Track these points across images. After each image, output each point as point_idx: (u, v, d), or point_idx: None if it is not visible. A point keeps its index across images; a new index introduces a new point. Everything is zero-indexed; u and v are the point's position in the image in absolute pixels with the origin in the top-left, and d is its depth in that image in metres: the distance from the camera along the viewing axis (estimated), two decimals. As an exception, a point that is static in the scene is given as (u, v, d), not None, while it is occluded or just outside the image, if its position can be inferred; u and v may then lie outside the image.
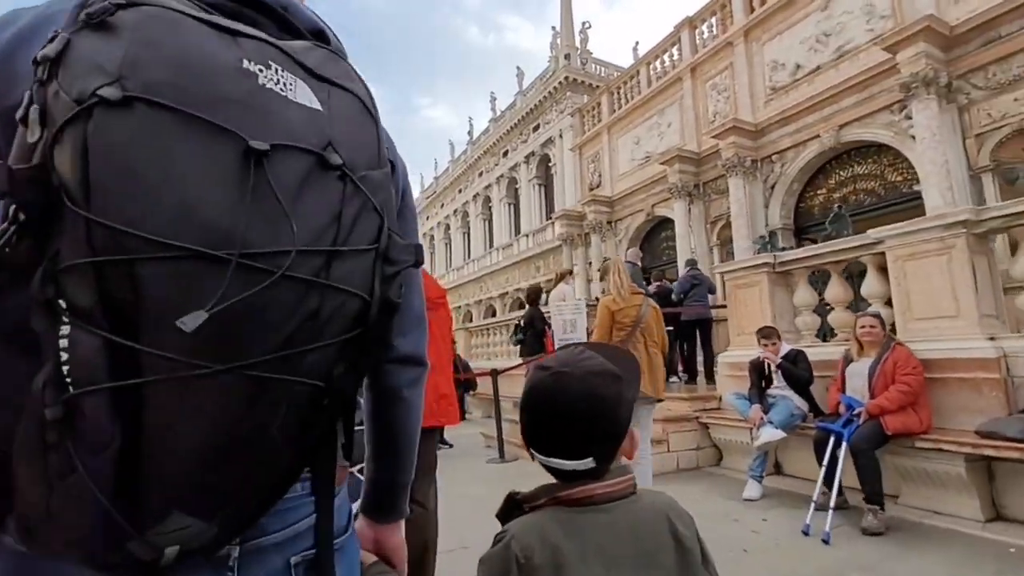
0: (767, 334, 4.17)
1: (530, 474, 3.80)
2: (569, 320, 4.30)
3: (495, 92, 30.00)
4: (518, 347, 6.10)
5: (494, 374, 5.45)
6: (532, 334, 5.58)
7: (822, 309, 4.82)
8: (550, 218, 23.34)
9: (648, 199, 12.59)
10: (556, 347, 4.45)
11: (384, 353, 0.69)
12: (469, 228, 31.14)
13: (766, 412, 3.92)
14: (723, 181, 10.52)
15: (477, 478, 4.60)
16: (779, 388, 4.10)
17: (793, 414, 3.92)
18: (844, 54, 8.62)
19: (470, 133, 32.06)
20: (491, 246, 28.52)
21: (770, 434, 3.72)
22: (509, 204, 27.69)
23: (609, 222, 13.67)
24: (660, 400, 3.29)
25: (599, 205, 13.56)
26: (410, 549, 2.12)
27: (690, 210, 11.12)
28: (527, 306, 5.94)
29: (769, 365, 4.11)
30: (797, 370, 3.95)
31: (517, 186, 26.61)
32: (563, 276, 6.51)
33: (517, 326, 5.70)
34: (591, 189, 14.51)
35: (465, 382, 6.53)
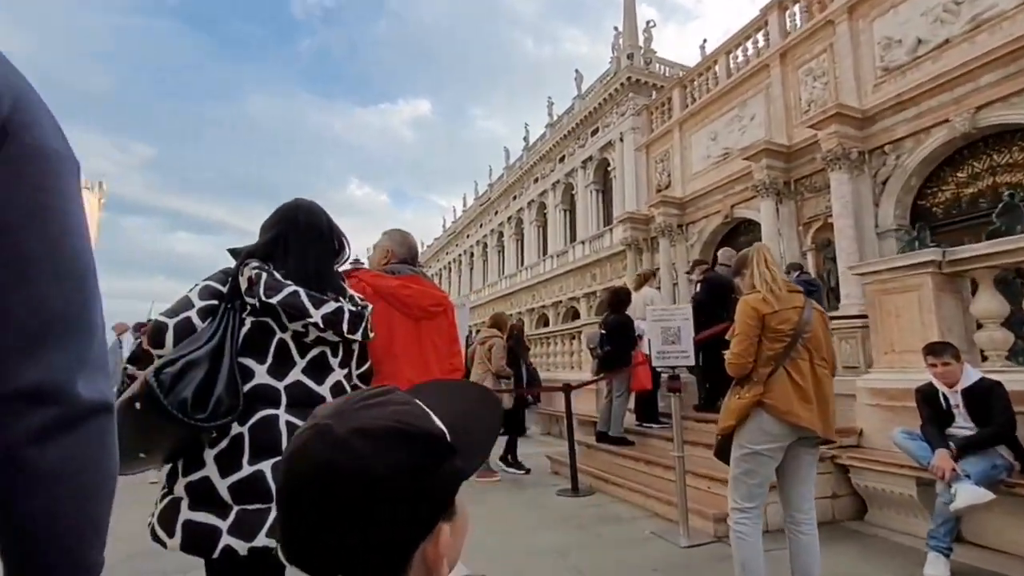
0: (937, 350, 3.11)
1: (612, 516, 2.40)
2: (672, 328, 3.43)
3: (552, 97, 29.28)
4: (596, 360, 5.24)
5: (567, 389, 4.64)
6: (620, 345, 4.71)
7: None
8: (608, 224, 22.36)
9: (726, 199, 11.42)
10: (654, 362, 3.59)
11: None
12: (523, 235, 30.55)
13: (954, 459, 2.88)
14: (820, 177, 9.25)
15: (548, 519, 3.77)
16: (963, 427, 3.04)
17: (996, 465, 2.85)
18: (982, 23, 7.26)
19: (526, 139, 31.59)
20: (545, 254, 27.76)
21: (972, 494, 2.68)
22: (564, 210, 26.89)
23: (680, 225, 12.56)
24: (830, 441, 2.36)
25: (669, 207, 12.49)
26: None
27: (778, 210, 9.88)
28: (609, 312, 5.07)
29: (945, 397, 3.07)
30: (998, 423, 2.87)
31: (573, 192, 25.78)
32: (647, 278, 5.62)
33: (603, 336, 4.84)
34: (659, 191, 13.46)
35: (526, 396, 5.71)
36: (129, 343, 6.10)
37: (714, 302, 4.87)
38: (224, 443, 1.19)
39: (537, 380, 5.81)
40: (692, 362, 3.40)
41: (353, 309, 1.43)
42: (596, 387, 6.51)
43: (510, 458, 5.38)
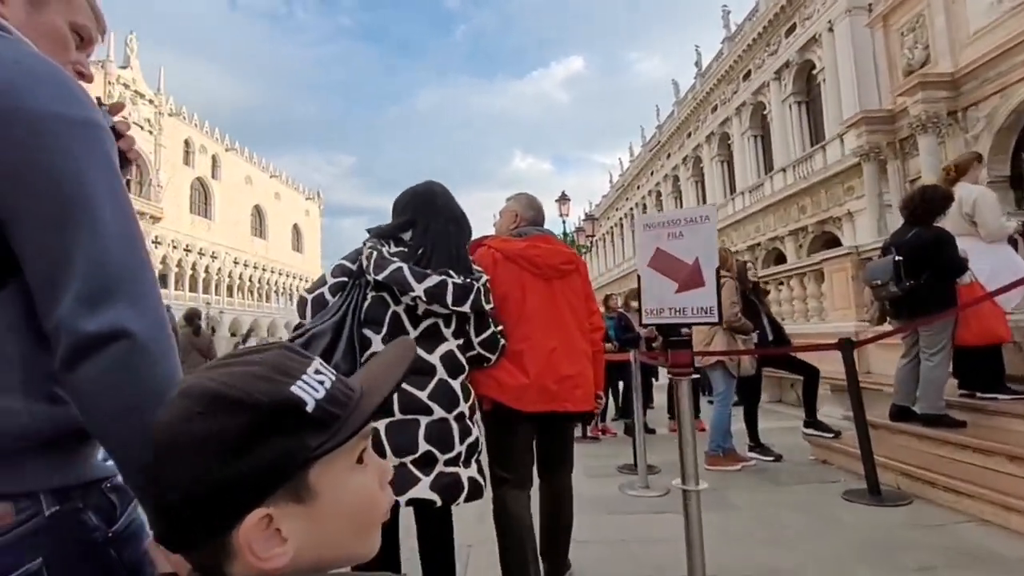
0: None
1: (982, 551, 1.96)
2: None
3: (727, 5, 24.60)
4: (879, 303, 3.50)
5: (847, 346, 3.10)
6: (935, 276, 2.95)
7: None
8: (819, 141, 18.04)
9: (1041, 58, 7.68)
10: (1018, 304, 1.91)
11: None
12: (703, 176, 27.02)
13: None
14: None
15: (858, 546, 2.35)
16: None
17: None
18: None
19: (697, 64, 27.46)
20: (733, 191, 24.05)
21: None
22: (755, 136, 22.74)
23: (951, 112, 8.99)
24: None
25: (932, 90, 8.99)
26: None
27: None
28: (909, 225, 3.28)
29: None
30: None
31: (765, 111, 21.49)
32: (966, 169, 3.55)
33: (898, 264, 3.11)
34: (909, 73, 9.86)
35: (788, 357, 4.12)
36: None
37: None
38: None
39: (784, 336, 4.25)
40: None
41: (458, 282, 1.49)
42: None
43: (749, 440, 4.07)
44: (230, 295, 43.77)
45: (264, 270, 49.18)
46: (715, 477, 3.63)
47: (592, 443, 5.14)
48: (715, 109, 25.14)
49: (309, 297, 1.49)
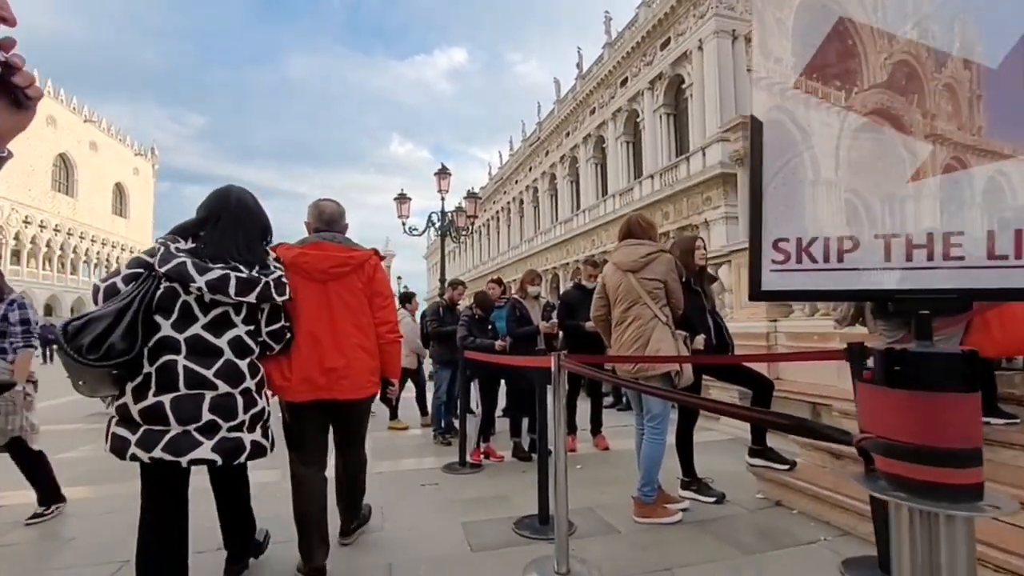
0: None
1: None
2: None
3: (610, 12, 25.16)
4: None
5: (856, 355, 2.15)
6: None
7: None
8: (683, 153, 19.07)
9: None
10: None
11: None
12: (578, 176, 27.46)
13: None
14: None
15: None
16: None
17: None
18: None
19: (579, 66, 27.82)
20: (605, 194, 24.71)
21: None
22: (627, 143, 23.53)
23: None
24: None
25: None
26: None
27: None
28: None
29: None
30: None
31: (638, 119, 22.31)
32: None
33: None
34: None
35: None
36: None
37: None
38: (139, 379, 1.58)
39: (729, 338, 3.34)
40: None
41: (242, 276, 1.69)
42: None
43: (682, 473, 3.08)
44: (16, 262, 34.12)
45: (70, 235, 39.26)
46: (651, 536, 2.53)
47: (473, 473, 3.74)
48: (593, 112, 25.61)
49: (102, 286, 1.60)
